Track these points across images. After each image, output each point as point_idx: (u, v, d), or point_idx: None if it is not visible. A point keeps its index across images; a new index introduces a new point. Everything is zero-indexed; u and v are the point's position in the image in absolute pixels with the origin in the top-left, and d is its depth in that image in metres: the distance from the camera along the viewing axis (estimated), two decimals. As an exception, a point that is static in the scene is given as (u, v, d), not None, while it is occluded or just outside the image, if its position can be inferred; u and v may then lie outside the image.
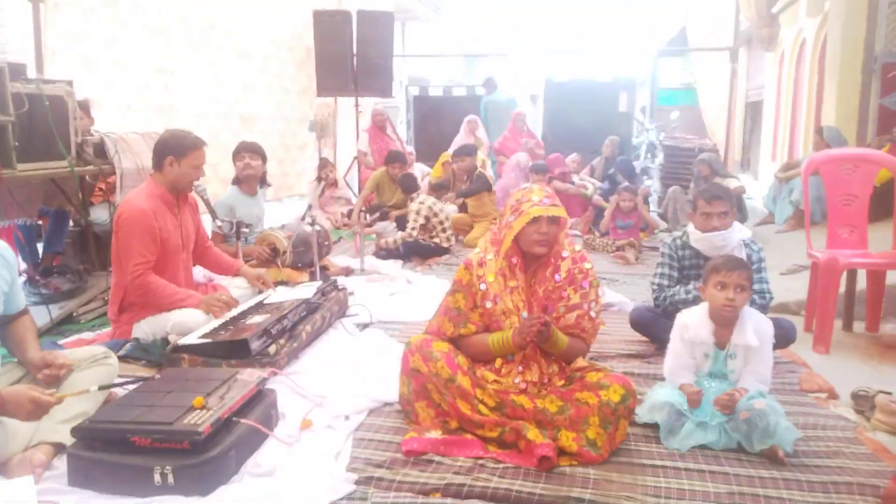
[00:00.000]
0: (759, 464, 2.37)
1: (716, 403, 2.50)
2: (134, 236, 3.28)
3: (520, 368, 2.57)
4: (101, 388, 2.32)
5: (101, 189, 4.89)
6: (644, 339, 3.69)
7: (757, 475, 2.29)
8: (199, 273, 4.26)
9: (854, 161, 4.07)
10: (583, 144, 10.07)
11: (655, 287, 3.54)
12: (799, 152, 9.54)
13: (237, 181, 5.00)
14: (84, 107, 4.99)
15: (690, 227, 3.45)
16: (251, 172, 4.92)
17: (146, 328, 3.42)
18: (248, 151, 4.93)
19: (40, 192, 4.31)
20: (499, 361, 2.60)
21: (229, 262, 3.99)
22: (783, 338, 3.18)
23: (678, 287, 3.44)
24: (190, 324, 3.32)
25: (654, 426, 2.59)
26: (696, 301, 3.25)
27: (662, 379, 2.81)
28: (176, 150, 3.42)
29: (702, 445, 2.47)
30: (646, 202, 7.30)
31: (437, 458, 2.36)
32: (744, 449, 2.45)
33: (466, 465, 2.33)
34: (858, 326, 4.09)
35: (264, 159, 5.04)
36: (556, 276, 2.58)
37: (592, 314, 2.61)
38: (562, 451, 2.37)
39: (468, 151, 7.21)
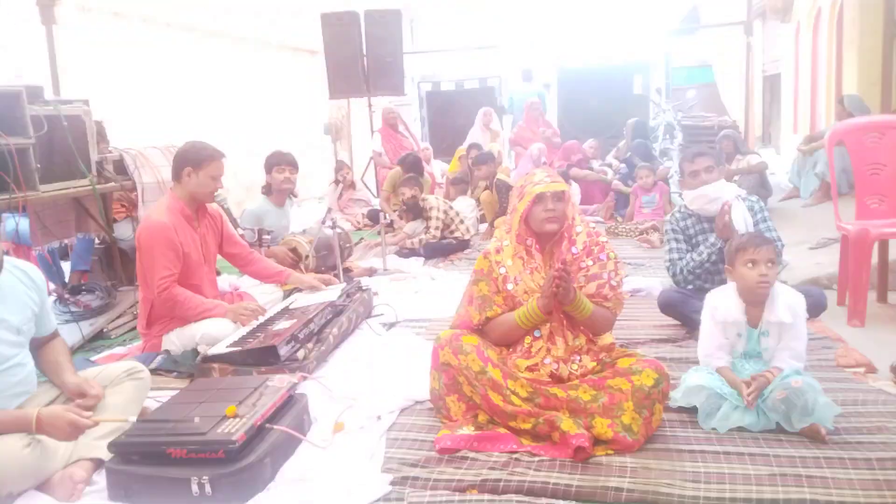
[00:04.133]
0: (800, 443, 2.33)
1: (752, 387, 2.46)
2: (156, 251, 3.31)
3: (548, 346, 2.57)
4: (139, 420, 2.34)
5: (123, 205, 4.95)
6: (674, 323, 3.64)
7: (798, 455, 2.25)
8: (225, 282, 4.29)
9: (880, 129, 3.97)
10: (599, 130, 10.00)
11: (668, 264, 3.58)
12: (821, 123, 9.35)
13: (268, 191, 5.02)
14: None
15: (684, 194, 3.47)
16: (289, 186, 4.95)
17: (176, 340, 3.45)
18: (288, 164, 4.94)
19: (70, 213, 4.36)
20: (528, 339, 2.60)
21: (277, 269, 3.99)
22: (814, 307, 3.10)
23: (688, 256, 3.45)
24: (218, 333, 3.35)
25: (690, 410, 2.55)
26: (710, 258, 3.35)
27: (695, 362, 2.76)
28: (194, 161, 3.44)
29: (739, 428, 2.43)
30: (666, 183, 7.21)
31: (471, 455, 2.35)
32: (783, 429, 2.41)
33: (501, 459, 2.31)
34: (893, 297, 4.00)
35: (298, 171, 5.07)
36: (574, 249, 2.63)
37: (613, 283, 2.62)
38: (597, 440, 2.35)
39: (484, 160, 7.20)
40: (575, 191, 7.57)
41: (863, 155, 3.97)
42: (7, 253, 2.35)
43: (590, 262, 2.62)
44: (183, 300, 3.36)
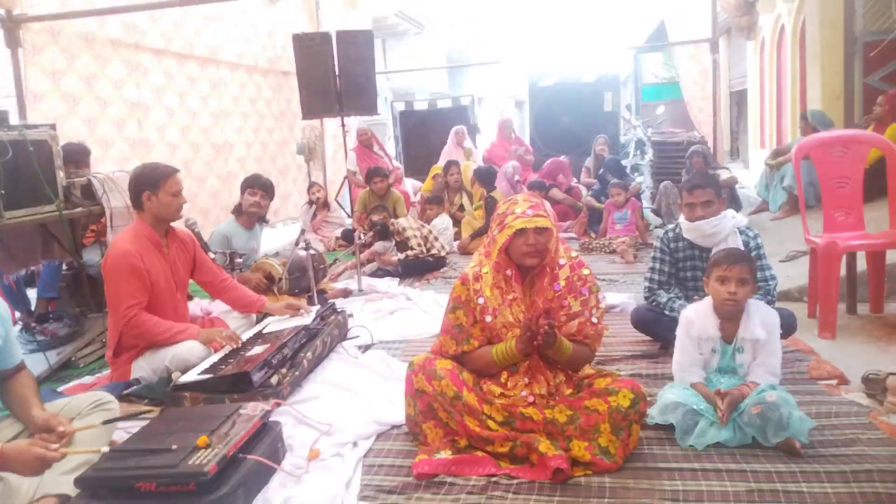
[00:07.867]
0: (776, 458, 2.34)
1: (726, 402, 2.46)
2: (121, 279, 3.25)
3: (526, 381, 2.52)
4: (105, 422, 2.26)
5: (92, 230, 4.86)
6: (649, 339, 3.65)
7: (775, 470, 2.26)
8: (196, 307, 4.22)
9: (843, 143, 4.06)
10: (571, 146, 10.09)
11: (646, 283, 3.53)
12: (787, 138, 9.54)
13: (238, 212, 4.98)
14: (84, 154, 4.98)
15: (682, 218, 3.44)
16: (257, 211, 4.92)
17: (145, 365, 3.36)
18: (261, 188, 4.92)
19: (37, 240, 4.26)
20: (504, 375, 2.55)
21: (253, 298, 3.92)
22: (783, 328, 3.11)
23: (668, 298, 3.40)
24: (188, 355, 3.28)
25: (667, 428, 2.55)
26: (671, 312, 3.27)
27: (671, 379, 2.77)
28: (149, 184, 3.37)
29: (717, 443, 2.44)
30: (638, 198, 7.29)
31: (449, 479, 2.32)
32: (759, 444, 2.42)
33: (480, 483, 2.29)
34: (862, 308, 4.06)
35: (272, 198, 5.03)
36: (556, 286, 2.52)
37: (594, 320, 2.55)
38: (575, 462, 2.33)
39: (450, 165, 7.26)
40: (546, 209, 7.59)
41: (829, 169, 4.04)
42: (-31, 283, 2.28)
43: (572, 300, 2.52)
44: (152, 326, 3.28)
